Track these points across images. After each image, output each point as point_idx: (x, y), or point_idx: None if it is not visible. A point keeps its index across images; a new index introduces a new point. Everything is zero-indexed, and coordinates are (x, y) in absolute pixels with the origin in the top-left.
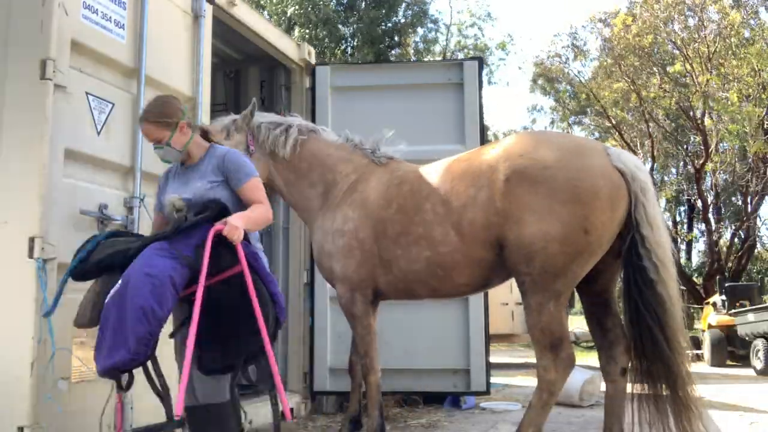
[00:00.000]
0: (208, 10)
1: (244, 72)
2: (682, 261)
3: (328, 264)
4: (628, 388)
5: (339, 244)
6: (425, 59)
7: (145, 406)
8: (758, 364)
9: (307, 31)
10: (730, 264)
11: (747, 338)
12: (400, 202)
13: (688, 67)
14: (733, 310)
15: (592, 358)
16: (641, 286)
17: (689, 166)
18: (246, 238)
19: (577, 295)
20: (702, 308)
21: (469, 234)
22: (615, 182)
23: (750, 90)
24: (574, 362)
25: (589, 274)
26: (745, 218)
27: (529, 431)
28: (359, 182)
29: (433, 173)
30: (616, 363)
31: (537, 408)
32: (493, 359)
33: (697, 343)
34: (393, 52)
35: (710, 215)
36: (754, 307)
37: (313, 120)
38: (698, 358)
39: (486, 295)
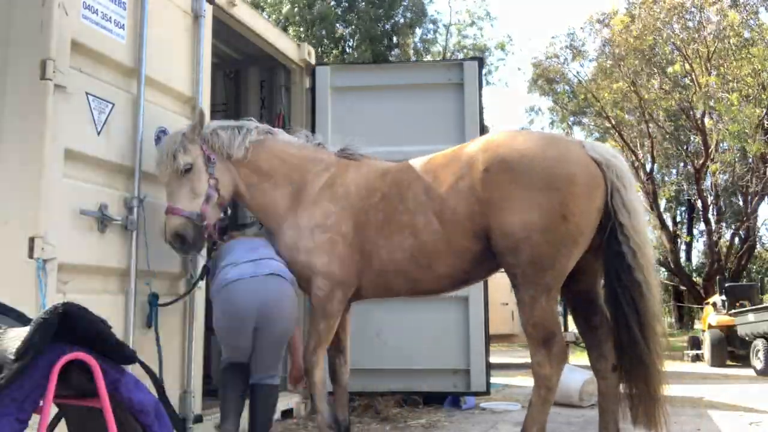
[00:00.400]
0: (208, 10)
1: (244, 72)
2: (682, 261)
3: (305, 259)
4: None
5: (320, 240)
6: (424, 59)
7: None
8: (758, 364)
9: (302, 29)
10: (730, 264)
11: (747, 338)
12: (384, 191)
13: (688, 67)
14: (733, 310)
15: None
16: (619, 273)
17: (689, 167)
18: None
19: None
20: (702, 308)
21: (451, 222)
22: (591, 171)
23: (750, 90)
24: (567, 356)
25: (573, 271)
26: (745, 218)
27: (534, 430)
28: (336, 177)
29: (415, 165)
30: (606, 360)
31: (537, 405)
32: (493, 359)
33: (697, 343)
34: (392, 52)
35: (710, 215)
36: (754, 307)
37: (313, 120)
38: (698, 358)
39: (486, 295)
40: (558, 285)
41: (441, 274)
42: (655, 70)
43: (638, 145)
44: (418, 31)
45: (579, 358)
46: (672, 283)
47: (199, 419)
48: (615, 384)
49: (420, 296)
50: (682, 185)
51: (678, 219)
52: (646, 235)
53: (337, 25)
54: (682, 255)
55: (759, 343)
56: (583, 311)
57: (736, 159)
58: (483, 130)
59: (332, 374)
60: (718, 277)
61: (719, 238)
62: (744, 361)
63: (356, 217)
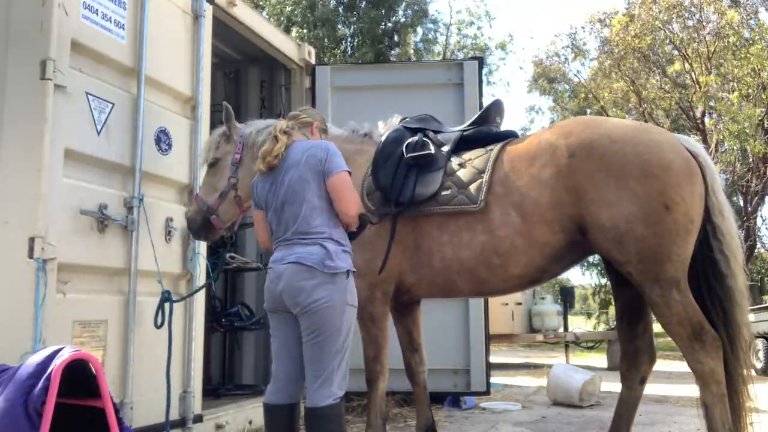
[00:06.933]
0: (208, 10)
1: (244, 72)
2: None
3: None
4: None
5: (364, 235)
6: (425, 59)
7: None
8: (758, 364)
9: (305, 31)
10: None
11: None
12: None
13: (687, 66)
14: None
15: (592, 358)
16: (711, 281)
17: None
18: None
19: (577, 296)
20: None
21: (533, 214)
22: (685, 157)
23: (750, 90)
24: (719, 341)
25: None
26: (745, 218)
27: (726, 429)
28: None
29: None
30: (637, 371)
31: (716, 405)
32: (493, 359)
33: None
34: (393, 52)
35: None
36: (754, 307)
37: None
38: None
39: None
40: (684, 276)
41: (513, 274)
42: (655, 70)
43: None
44: (419, 31)
45: (579, 358)
46: None
47: (199, 419)
48: (639, 395)
49: (478, 297)
50: None
51: None
52: (738, 240)
53: (339, 26)
54: None
55: (759, 343)
56: (627, 316)
57: (737, 159)
58: None
59: (409, 375)
60: None
61: None
62: None
63: (414, 213)
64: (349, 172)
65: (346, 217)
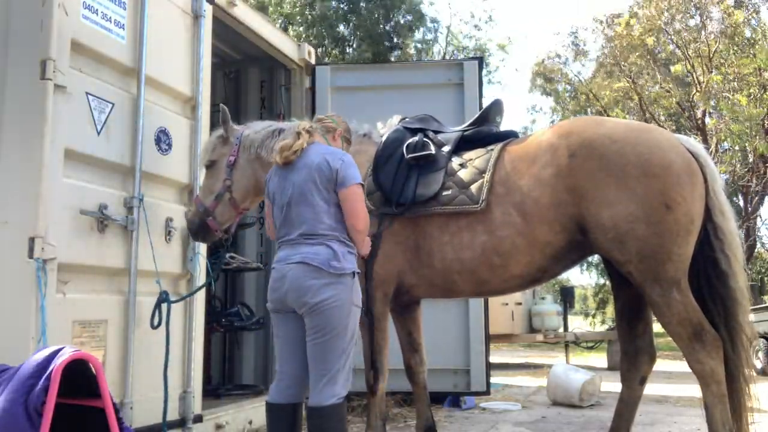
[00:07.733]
0: (208, 10)
1: (244, 72)
2: None
3: None
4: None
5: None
6: (425, 59)
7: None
8: (759, 363)
9: (302, 29)
10: None
11: None
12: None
13: (689, 66)
14: None
15: (592, 358)
16: (712, 281)
17: None
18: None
19: (577, 296)
20: None
21: (534, 214)
22: (686, 157)
23: (752, 89)
24: (720, 341)
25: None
26: (745, 218)
27: (726, 429)
28: None
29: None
30: (637, 371)
31: (716, 405)
32: (493, 359)
33: None
34: (393, 52)
35: None
36: (754, 307)
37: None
38: None
39: None
40: (684, 276)
41: (514, 274)
42: (656, 69)
43: None
44: (419, 32)
45: (579, 357)
46: None
47: (198, 419)
48: (639, 395)
49: (479, 297)
50: None
51: None
52: (738, 239)
53: (339, 26)
54: None
55: (759, 343)
56: (627, 315)
57: (737, 159)
58: None
59: (409, 375)
60: None
61: None
62: None
63: (408, 211)
64: (362, 185)
65: (354, 232)
